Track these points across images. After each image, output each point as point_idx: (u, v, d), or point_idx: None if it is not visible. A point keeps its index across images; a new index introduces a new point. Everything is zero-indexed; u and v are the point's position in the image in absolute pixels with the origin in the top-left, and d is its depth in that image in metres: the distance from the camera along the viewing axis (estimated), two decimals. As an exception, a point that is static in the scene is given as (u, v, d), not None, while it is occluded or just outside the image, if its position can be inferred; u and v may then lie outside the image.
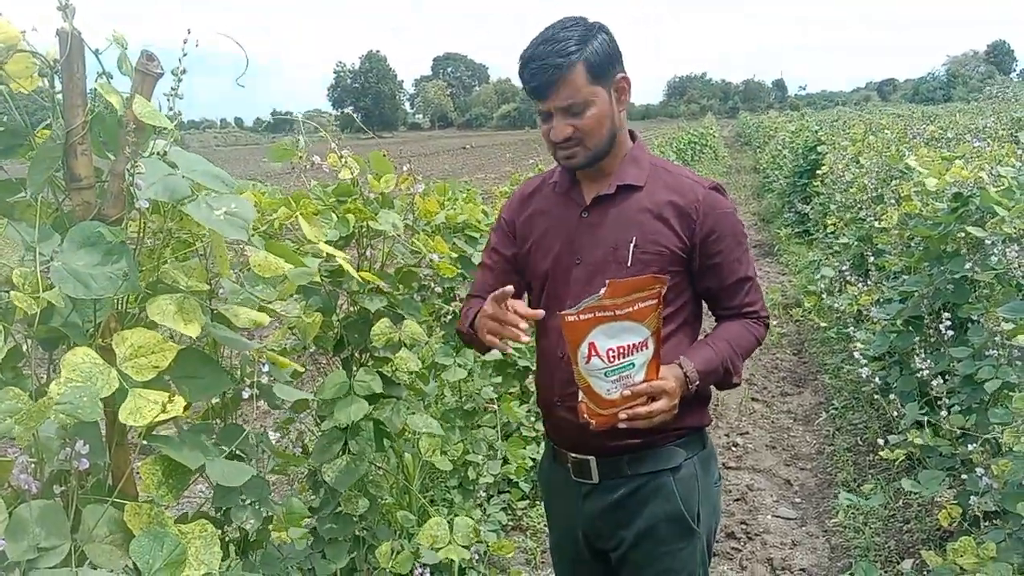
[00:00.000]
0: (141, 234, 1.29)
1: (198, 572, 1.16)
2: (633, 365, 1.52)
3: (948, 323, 2.96)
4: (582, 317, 1.48)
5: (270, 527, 1.77)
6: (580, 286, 1.68)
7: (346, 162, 2.05)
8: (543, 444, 3.85)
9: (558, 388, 1.74)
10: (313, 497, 2.27)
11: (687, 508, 1.71)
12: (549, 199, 1.79)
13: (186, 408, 1.18)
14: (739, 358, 1.71)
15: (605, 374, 1.51)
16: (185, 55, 1.26)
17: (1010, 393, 2.39)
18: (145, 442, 1.26)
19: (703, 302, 1.78)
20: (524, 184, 1.90)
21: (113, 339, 1.17)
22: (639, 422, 1.53)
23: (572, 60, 1.56)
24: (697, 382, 1.62)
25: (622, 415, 1.52)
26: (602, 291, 1.48)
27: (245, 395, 1.40)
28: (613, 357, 1.50)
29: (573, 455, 1.76)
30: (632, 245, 1.65)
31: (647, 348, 1.52)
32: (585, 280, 1.68)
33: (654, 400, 1.54)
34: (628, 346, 1.51)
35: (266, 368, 1.45)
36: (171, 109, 1.24)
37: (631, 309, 1.49)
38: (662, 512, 1.71)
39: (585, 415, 1.54)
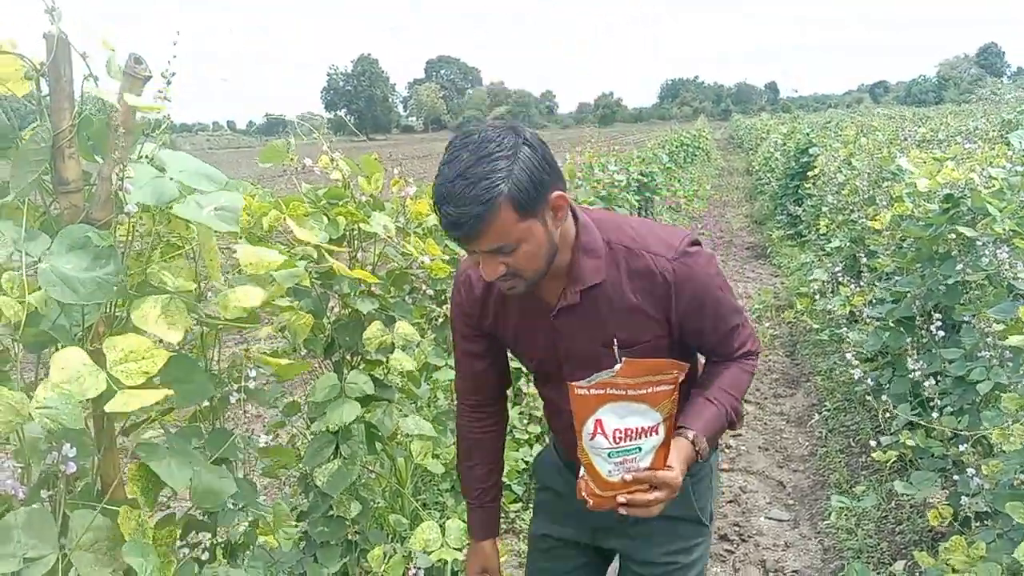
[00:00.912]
0: (130, 237, 1.28)
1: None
2: (639, 449, 1.44)
3: (939, 324, 2.97)
4: (592, 391, 1.42)
5: (256, 530, 1.76)
6: (578, 372, 1.60)
7: (337, 164, 2.05)
8: (535, 447, 3.85)
9: (563, 432, 1.72)
10: (304, 500, 2.26)
11: (700, 507, 1.74)
12: (509, 299, 1.62)
13: (169, 412, 1.18)
14: (740, 402, 1.65)
15: (608, 454, 1.44)
16: (175, 57, 1.25)
17: (1001, 394, 2.40)
18: (132, 445, 1.25)
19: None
20: (468, 271, 1.69)
21: (104, 344, 1.17)
22: (637, 510, 1.44)
23: (495, 203, 1.33)
24: (705, 449, 1.55)
25: (620, 499, 1.44)
26: (617, 367, 1.42)
27: (233, 399, 1.40)
28: (619, 439, 1.43)
29: None
30: (615, 346, 1.56)
31: (656, 434, 1.45)
32: (581, 369, 1.60)
33: (656, 489, 1.44)
34: (636, 429, 1.44)
35: (253, 373, 1.44)
36: (160, 112, 1.24)
37: (645, 391, 1.42)
38: (679, 513, 1.70)
39: (583, 493, 1.48)
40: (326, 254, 1.91)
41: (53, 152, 1.19)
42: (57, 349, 1.21)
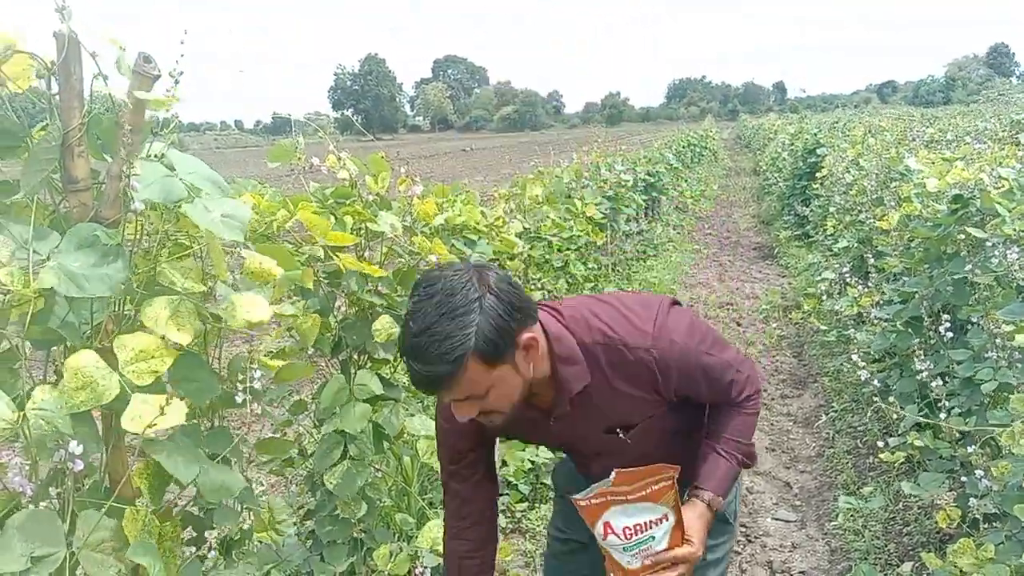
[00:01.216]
0: (138, 236, 1.28)
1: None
2: (653, 538, 1.49)
3: (948, 325, 2.96)
4: (593, 502, 1.47)
5: (254, 528, 1.77)
6: (587, 459, 1.68)
7: (344, 164, 2.05)
8: (539, 447, 3.84)
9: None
10: (311, 499, 2.26)
11: (727, 509, 1.77)
12: None
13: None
14: (750, 442, 1.68)
15: (624, 549, 1.49)
16: (183, 56, 1.26)
17: (1009, 395, 2.38)
18: (141, 443, 1.26)
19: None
20: (446, 410, 1.66)
21: (114, 344, 1.17)
22: None
23: (462, 361, 1.32)
24: (722, 503, 1.61)
25: None
26: (611, 478, 1.46)
27: (238, 399, 1.40)
28: (630, 535, 1.48)
29: None
30: (619, 432, 1.61)
31: (667, 520, 1.50)
32: (592, 455, 1.68)
33: (678, 565, 1.51)
34: (645, 523, 1.48)
35: (258, 373, 1.44)
36: (167, 111, 1.24)
37: (644, 492, 1.47)
38: None
39: None
40: (345, 241, 1.92)
41: (63, 150, 1.19)
42: (66, 347, 1.22)
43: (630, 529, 1.47)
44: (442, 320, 1.32)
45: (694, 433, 1.70)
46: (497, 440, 1.85)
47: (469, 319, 1.32)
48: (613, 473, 1.45)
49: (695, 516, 1.56)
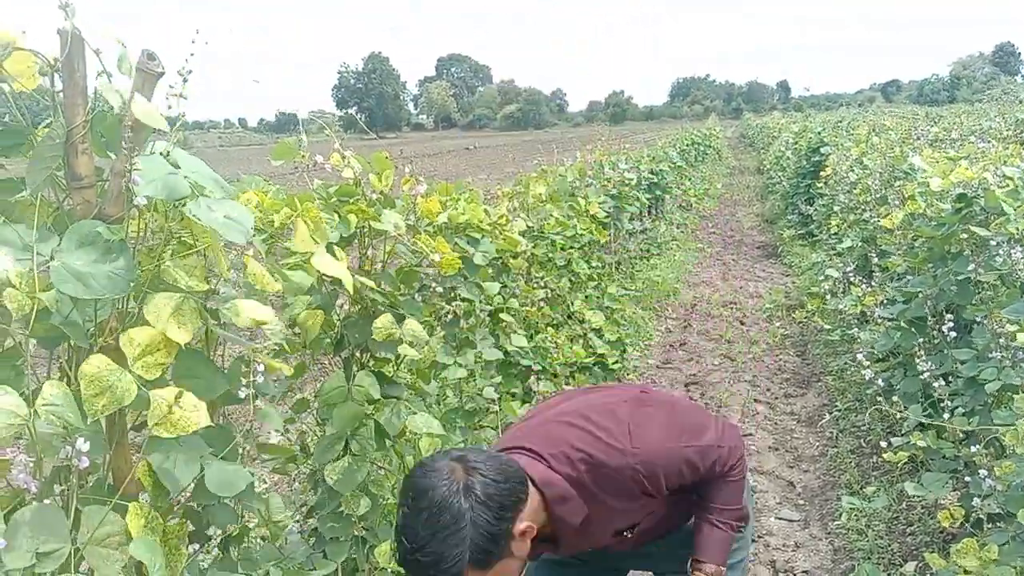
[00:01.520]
0: (141, 233, 1.28)
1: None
2: None
3: (951, 325, 2.95)
4: None
5: (253, 524, 1.78)
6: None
7: (348, 162, 2.05)
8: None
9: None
10: (313, 495, 2.26)
11: (741, 515, 1.83)
12: None
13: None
14: (740, 506, 1.77)
15: None
16: (192, 55, 1.26)
17: (1013, 395, 2.38)
18: (144, 444, 1.26)
19: None
20: None
21: (121, 340, 1.18)
22: None
23: (458, 574, 1.37)
24: (723, 571, 1.71)
25: None
26: None
27: (242, 394, 1.40)
28: None
29: None
30: (626, 534, 1.71)
31: None
32: (603, 549, 1.77)
33: None
34: None
35: (261, 368, 1.44)
36: (170, 108, 1.24)
37: None
38: None
39: None
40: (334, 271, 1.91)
41: (66, 148, 1.19)
42: (70, 345, 1.22)
43: None
44: (434, 541, 1.35)
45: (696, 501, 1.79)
46: None
47: (460, 536, 1.35)
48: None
49: None
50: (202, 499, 1.41)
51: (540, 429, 1.67)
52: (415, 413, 2.22)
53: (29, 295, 1.07)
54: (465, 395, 3.55)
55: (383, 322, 2.13)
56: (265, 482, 3.37)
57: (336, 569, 2.17)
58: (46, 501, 1.16)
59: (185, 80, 1.26)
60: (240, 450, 1.54)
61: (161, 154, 1.24)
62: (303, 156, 1.99)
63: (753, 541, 3.47)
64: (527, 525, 1.46)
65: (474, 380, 3.45)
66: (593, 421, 1.64)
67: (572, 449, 1.59)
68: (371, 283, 2.05)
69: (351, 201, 2.14)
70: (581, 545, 1.72)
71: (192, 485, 1.34)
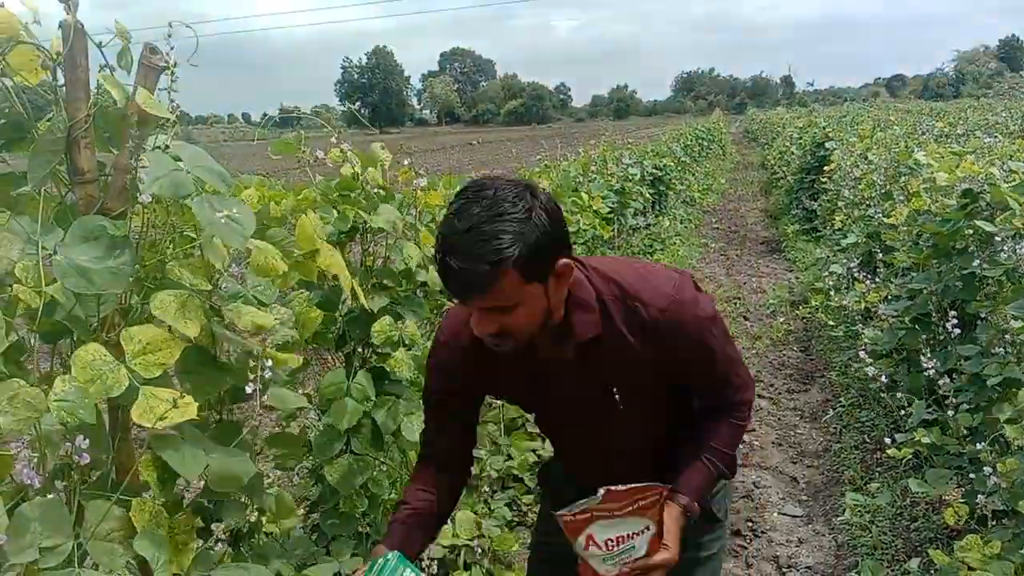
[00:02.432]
0: (144, 228, 1.28)
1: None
2: (634, 547, 1.50)
3: (956, 320, 2.94)
4: (578, 517, 1.47)
5: (263, 519, 1.77)
6: (575, 420, 1.64)
7: (347, 157, 2.05)
8: (547, 441, 3.84)
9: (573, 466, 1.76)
10: (314, 489, 2.26)
11: (715, 507, 1.75)
12: (499, 355, 1.49)
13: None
14: (734, 453, 1.66)
15: (604, 559, 1.50)
16: (172, 48, 1.24)
17: (1017, 391, 2.37)
18: (149, 434, 1.26)
19: None
20: (452, 327, 1.61)
21: (121, 336, 1.17)
22: None
23: (503, 265, 1.27)
24: (697, 511, 1.59)
25: None
26: (600, 494, 1.46)
27: (249, 390, 1.40)
28: (612, 546, 1.49)
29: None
30: (614, 391, 1.56)
31: (648, 530, 1.51)
32: (578, 416, 1.62)
33: (654, 570, 1.52)
34: (628, 535, 1.49)
35: (269, 363, 1.44)
36: (172, 101, 1.24)
37: (630, 509, 1.48)
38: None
39: None
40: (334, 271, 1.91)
41: (69, 142, 1.19)
42: (73, 339, 1.22)
43: (612, 541, 1.48)
44: (490, 221, 1.27)
45: (679, 430, 1.67)
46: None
47: (517, 226, 1.28)
48: (602, 491, 1.46)
49: (671, 520, 1.54)
50: (212, 492, 1.42)
51: (595, 257, 1.60)
52: (414, 413, 2.22)
53: (35, 289, 1.07)
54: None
55: (381, 326, 2.13)
56: (269, 476, 3.38)
57: (339, 567, 2.18)
58: (49, 496, 1.16)
59: (172, 72, 1.24)
60: (251, 445, 1.54)
61: (160, 148, 1.23)
62: (303, 152, 1.99)
63: (756, 536, 3.47)
64: (569, 263, 1.39)
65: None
66: (649, 268, 1.59)
67: (615, 274, 1.52)
68: (361, 293, 2.02)
69: (351, 195, 2.14)
70: (574, 384, 1.56)
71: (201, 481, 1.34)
